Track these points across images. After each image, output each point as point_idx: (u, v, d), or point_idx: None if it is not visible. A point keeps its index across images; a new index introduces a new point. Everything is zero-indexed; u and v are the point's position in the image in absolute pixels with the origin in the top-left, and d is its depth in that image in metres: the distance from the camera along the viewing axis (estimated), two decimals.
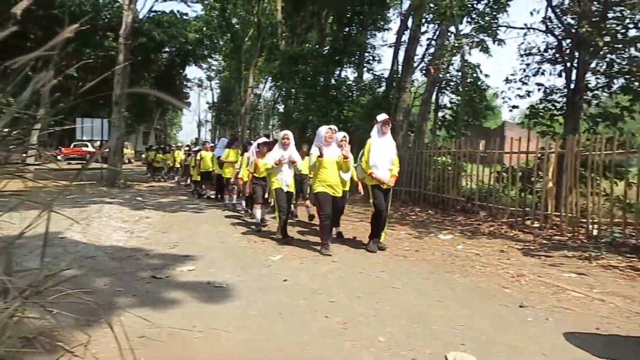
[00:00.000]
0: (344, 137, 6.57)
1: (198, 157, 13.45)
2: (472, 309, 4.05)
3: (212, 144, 14.65)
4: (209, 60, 44.31)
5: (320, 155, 6.23)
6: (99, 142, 20.06)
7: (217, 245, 6.60)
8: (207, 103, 55.91)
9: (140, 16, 28.74)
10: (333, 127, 6.59)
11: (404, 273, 5.28)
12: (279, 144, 7.12)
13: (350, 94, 17.76)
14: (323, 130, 6.41)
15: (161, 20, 33.77)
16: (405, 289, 4.62)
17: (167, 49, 36.46)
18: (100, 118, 18.51)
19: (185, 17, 35.19)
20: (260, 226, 7.90)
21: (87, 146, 29.24)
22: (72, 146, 29.70)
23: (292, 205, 8.11)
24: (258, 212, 8.05)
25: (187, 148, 20.05)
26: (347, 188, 7.06)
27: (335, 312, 3.85)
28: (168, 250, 6.10)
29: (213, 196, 12.83)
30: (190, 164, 15.26)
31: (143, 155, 30.45)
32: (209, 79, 53.97)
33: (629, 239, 6.53)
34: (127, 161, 33.45)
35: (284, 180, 6.92)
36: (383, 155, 6.33)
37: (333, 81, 18.05)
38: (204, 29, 34.81)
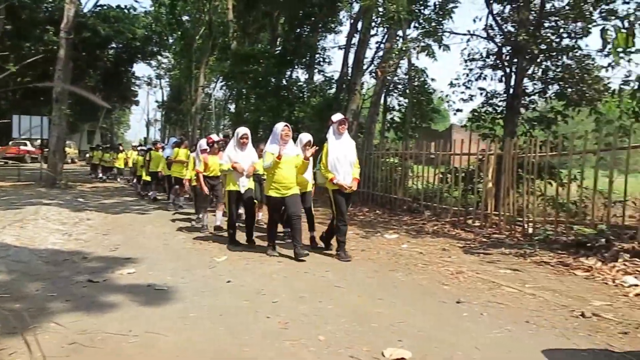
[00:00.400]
0: (309, 141, 6.29)
1: (147, 157, 12.98)
2: (412, 306, 4.15)
3: (164, 144, 14.19)
4: (159, 57, 43.20)
5: (279, 157, 5.84)
6: (39, 141, 19.14)
7: (160, 247, 6.45)
8: (157, 102, 54.44)
9: (85, 10, 27.69)
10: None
11: (349, 272, 5.34)
12: (236, 142, 6.65)
13: (301, 94, 17.82)
14: (279, 127, 6.07)
15: (107, 15, 32.57)
16: (349, 288, 4.68)
17: (113, 45, 35.18)
18: (41, 116, 17.65)
19: (133, 12, 34.10)
20: (220, 230, 7.58)
21: (25, 145, 27.85)
22: (9, 144, 28.16)
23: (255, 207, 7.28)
24: (219, 214, 7.74)
25: (140, 148, 19.47)
26: (310, 189, 6.80)
27: (277, 312, 3.85)
28: (108, 253, 5.91)
29: (160, 197, 12.49)
30: (138, 164, 14.70)
31: (87, 155, 29.30)
32: (159, 77, 52.59)
33: (561, 236, 6.90)
34: (70, 161, 32.09)
35: (241, 182, 6.58)
36: (342, 158, 6.00)
37: (284, 82, 18.04)
38: (153, 25, 33.87)
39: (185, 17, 29.92)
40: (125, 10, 34.13)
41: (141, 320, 3.56)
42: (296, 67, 19.00)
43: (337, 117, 6.21)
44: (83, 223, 8.22)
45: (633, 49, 6.86)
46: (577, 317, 3.96)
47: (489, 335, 3.51)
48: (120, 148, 21.41)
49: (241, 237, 6.91)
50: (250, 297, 4.26)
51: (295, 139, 6.40)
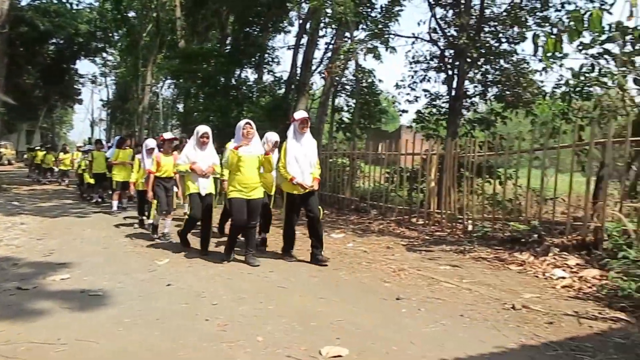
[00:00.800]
0: (276, 142, 6.03)
1: (90, 158, 12.28)
2: (353, 304, 4.20)
3: (110, 144, 13.55)
4: (104, 54, 41.59)
5: (236, 148, 5.51)
6: None
7: (99, 251, 6.22)
8: (101, 100, 52.24)
9: (23, 3, 26.33)
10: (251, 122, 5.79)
11: (292, 273, 5.34)
12: (196, 142, 6.17)
13: (250, 94, 17.73)
14: (241, 125, 5.66)
15: (47, 9, 31.03)
16: (292, 288, 4.69)
17: (54, 40, 33.56)
18: None
19: (76, 6, 32.64)
20: (165, 238, 7.00)
21: None
22: None
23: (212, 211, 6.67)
24: (168, 222, 7.12)
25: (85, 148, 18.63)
26: (273, 192, 6.53)
27: (216, 314, 3.81)
28: (41, 259, 5.63)
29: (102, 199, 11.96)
30: (82, 165, 13.95)
31: (24, 156, 27.83)
32: (104, 75, 50.58)
33: (498, 233, 7.17)
34: (6, 162, 30.44)
35: (201, 183, 6.12)
36: (302, 157, 5.69)
37: (233, 81, 17.88)
38: (98, 21, 32.57)
39: (131, 13, 29.00)
40: (67, 5, 32.69)
41: (72, 327, 3.42)
42: (245, 66, 18.86)
43: (299, 114, 5.89)
44: (16, 227, 7.81)
45: (561, 54, 7.28)
46: (509, 309, 4.14)
47: (425, 330, 3.61)
48: (67, 149, 20.49)
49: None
50: (190, 299, 4.19)
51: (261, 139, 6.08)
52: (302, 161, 5.70)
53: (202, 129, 6.29)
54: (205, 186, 6.18)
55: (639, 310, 4.04)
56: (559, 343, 3.39)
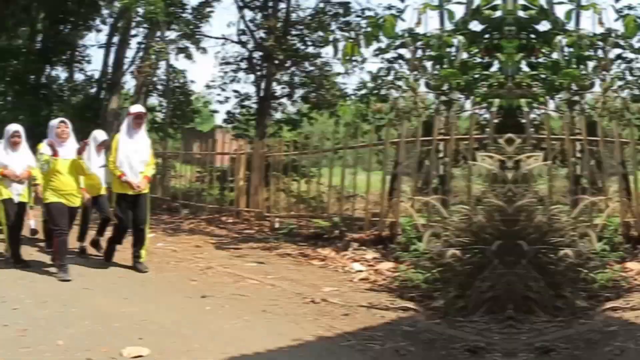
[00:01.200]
0: (105, 141, 5.65)
1: None
2: (157, 304, 4.24)
3: None
4: None
5: (54, 154, 4.93)
6: None
7: None
8: None
9: None
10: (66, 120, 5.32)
11: (99, 274, 5.18)
12: (7, 142, 5.52)
13: (61, 93, 16.57)
14: (54, 124, 5.19)
15: None
16: (97, 290, 4.57)
17: None
18: None
19: None
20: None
21: None
22: None
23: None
24: None
25: None
26: (103, 192, 5.98)
27: (16, 319, 3.57)
28: None
29: None
30: None
31: None
32: None
33: (303, 229, 7.59)
34: None
35: (14, 189, 5.44)
36: (133, 154, 5.28)
37: (44, 79, 16.42)
38: None
39: None
40: None
41: None
42: (55, 64, 17.36)
43: (134, 109, 5.58)
44: None
45: (361, 58, 7.89)
46: (308, 303, 4.32)
47: (227, 326, 3.72)
48: None
49: None
50: None
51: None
52: (134, 158, 5.30)
53: (13, 127, 5.61)
54: (20, 191, 5.55)
55: (426, 299, 4.28)
56: (352, 333, 3.55)
